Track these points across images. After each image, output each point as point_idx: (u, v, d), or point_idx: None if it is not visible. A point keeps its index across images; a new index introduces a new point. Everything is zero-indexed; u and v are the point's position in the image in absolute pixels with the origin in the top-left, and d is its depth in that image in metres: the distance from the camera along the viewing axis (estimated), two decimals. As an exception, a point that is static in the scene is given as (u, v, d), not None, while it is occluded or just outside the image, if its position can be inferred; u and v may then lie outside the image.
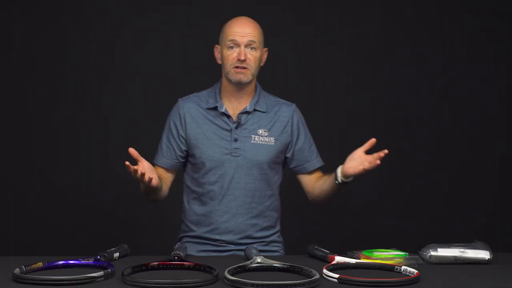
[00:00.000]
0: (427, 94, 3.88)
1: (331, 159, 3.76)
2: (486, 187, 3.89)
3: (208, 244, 2.53)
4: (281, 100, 2.66)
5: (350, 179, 2.44)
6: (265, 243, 2.56)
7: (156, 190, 2.49)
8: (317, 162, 2.67)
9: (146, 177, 2.30)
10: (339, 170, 2.46)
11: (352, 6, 3.86)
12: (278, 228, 2.64)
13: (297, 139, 2.62)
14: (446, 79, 3.89)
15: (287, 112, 2.61)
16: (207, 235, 2.54)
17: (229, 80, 2.52)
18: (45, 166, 3.75)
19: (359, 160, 2.38)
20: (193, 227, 2.57)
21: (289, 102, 2.66)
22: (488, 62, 3.89)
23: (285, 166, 2.67)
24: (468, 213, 3.85)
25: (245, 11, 3.75)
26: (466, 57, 3.89)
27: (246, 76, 2.49)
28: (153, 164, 2.55)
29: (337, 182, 2.46)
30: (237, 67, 2.48)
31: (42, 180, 3.73)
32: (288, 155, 2.62)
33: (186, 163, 2.62)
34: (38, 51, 3.73)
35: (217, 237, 2.53)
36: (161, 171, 2.58)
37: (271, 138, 2.55)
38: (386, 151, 2.31)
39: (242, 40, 2.48)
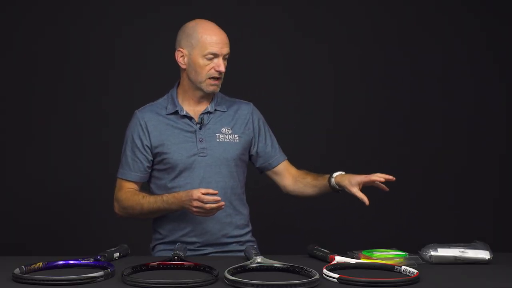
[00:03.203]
0: (426, 95, 3.88)
1: (321, 158, 3.80)
2: (486, 187, 3.88)
3: (187, 249, 2.43)
4: (238, 99, 2.67)
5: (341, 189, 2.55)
6: (241, 243, 2.55)
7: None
8: (281, 156, 2.68)
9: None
10: (334, 179, 2.56)
11: (350, 6, 3.86)
12: (250, 227, 2.64)
13: (259, 136, 2.63)
14: (446, 79, 3.89)
15: (246, 111, 2.63)
16: (183, 239, 2.49)
17: (198, 88, 2.51)
18: (45, 166, 3.74)
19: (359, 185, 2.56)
20: (167, 233, 2.54)
21: (246, 101, 2.67)
22: (488, 62, 3.88)
23: (250, 165, 2.68)
24: (468, 213, 3.85)
25: (241, 12, 3.78)
26: (466, 57, 3.89)
27: (219, 87, 2.51)
28: (119, 179, 2.56)
29: (338, 191, 2.59)
30: (213, 78, 2.47)
31: (42, 181, 3.73)
32: (253, 153, 2.63)
33: (151, 172, 2.58)
34: (38, 51, 3.73)
35: (194, 239, 2.51)
36: (131, 185, 2.54)
37: (235, 136, 2.56)
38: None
39: (221, 52, 2.46)
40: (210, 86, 2.48)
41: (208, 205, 2.30)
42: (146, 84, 3.69)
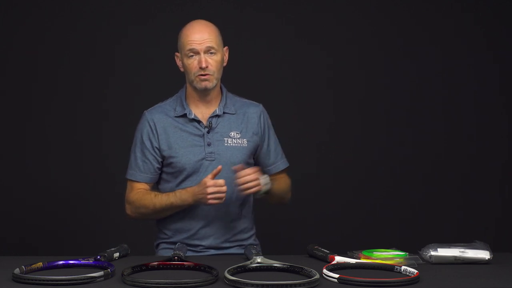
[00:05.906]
0: (426, 96, 3.87)
1: (322, 160, 3.80)
2: (486, 187, 3.88)
3: (189, 250, 2.45)
4: (248, 101, 2.65)
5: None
6: (243, 247, 2.52)
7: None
8: (282, 163, 2.67)
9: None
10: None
11: (350, 6, 3.85)
12: (254, 230, 2.64)
13: (264, 140, 2.62)
14: (445, 81, 3.88)
15: (255, 113, 2.61)
16: (186, 241, 2.49)
17: (194, 88, 2.51)
18: (45, 166, 3.74)
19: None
20: (171, 234, 2.55)
21: (256, 103, 2.65)
22: (488, 62, 3.88)
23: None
24: (468, 213, 3.85)
25: (240, 16, 3.77)
26: (465, 57, 3.88)
27: (211, 82, 2.48)
28: (129, 181, 2.55)
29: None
30: (200, 75, 2.47)
31: (41, 181, 3.73)
32: (255, 156, 2.62)
33: (160, 174, 2.58)
34: (39, 52, 3.72)
35: (197, 242, 2.51)
36: (141, 186, 2.54)
37: (244, 140, 2.55)
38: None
39: (201, 48, 2.45)
40: (201, 83, 2.47)
41: (224, 187, 2.34)
42: (145, 85, 3.69)
